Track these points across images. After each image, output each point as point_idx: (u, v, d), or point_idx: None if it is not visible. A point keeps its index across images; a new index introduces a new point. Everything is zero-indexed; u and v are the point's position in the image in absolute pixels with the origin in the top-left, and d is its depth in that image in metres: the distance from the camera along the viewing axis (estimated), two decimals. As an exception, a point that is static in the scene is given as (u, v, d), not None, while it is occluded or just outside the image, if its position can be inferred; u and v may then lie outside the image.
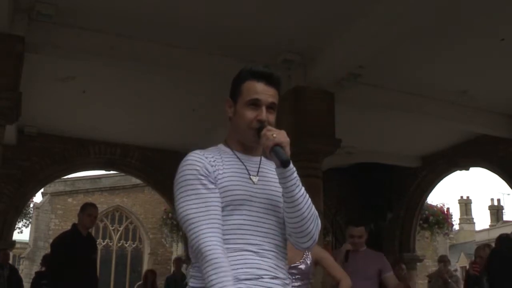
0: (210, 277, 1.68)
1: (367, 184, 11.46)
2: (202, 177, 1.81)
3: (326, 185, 6.75)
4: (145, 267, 21.89)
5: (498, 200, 43.50)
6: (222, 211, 1.82)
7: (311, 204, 1.87)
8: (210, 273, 1.68)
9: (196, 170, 1.82)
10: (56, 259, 5.63)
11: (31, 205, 21.10)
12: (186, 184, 1.82)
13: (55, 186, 22.06)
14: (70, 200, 23.17)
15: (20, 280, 9.68)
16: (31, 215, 21.88)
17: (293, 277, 3.58)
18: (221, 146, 1.99)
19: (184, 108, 8.18)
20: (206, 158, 1.87)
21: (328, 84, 6.64)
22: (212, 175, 1.83)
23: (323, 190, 6.56)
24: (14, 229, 10.21)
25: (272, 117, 1.91)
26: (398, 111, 7.76)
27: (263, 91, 1.90)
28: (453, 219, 16.87)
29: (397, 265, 9.31)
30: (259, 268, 1.80)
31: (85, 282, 5.59)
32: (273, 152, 1.78)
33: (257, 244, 1.83)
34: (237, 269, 1.77)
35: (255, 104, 1.89)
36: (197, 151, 1.91)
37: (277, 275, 1.84)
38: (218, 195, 1.81)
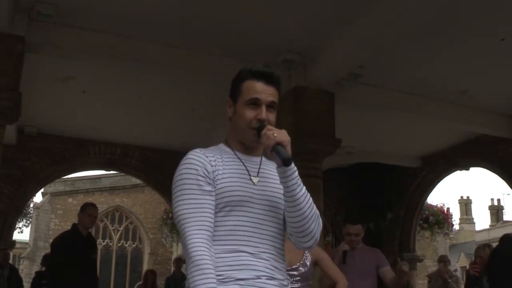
0: (194, 278, 1.68)
1: (367, 184, 11.46)
2: (200, 178, 1.81)
3: (326, 185, 6.75)
4: (145, 267, 21.88)
5: (498, 200, 43.59)
6: (221, 211, 1.82)
7: (313, 203, 1.87)
8: (194, 274, 1.68)
9: (196, 170, 1.82)
10: (56, 259, 5.64)
11: (31, 205, 21.13)
12: (183, 183, 1.82)
13: (55, 186, 22.05)
14: (70, 200, 23.17)
15: (20, 280, 9.69)
16: (31, 215, 21.90)
17: (293, 279, 3.58)
18: (222, 146, 1.98)
19: (184, 108, 8.18)
20: (207, 157, 1.87)
21: (328, 84, 6.64)
22: (211, 175, 1.83)
23: (323, 190, 6.56)
24: (14, 229, 10.20)
25: (272, 116, 1.90)
26: (398, 111, 7.76)
27: (262, 90, 1.89)
28: (453, 219, 16.88)
29: (397, 264, 9.31)
30: (255, 270, 1.80)
31: (85, 282, 5.59)
32: (274, 151, 1.78)
33: (254, 246, 1.82)
34: (233, 269, 1.77)
35: (255, 103, 1.89)
36: (198, 150, 1.90)
37: (274, 276, 1.84)
38: (213, 197, 1.81)
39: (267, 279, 1.81)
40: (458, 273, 20.29)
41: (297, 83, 6.65)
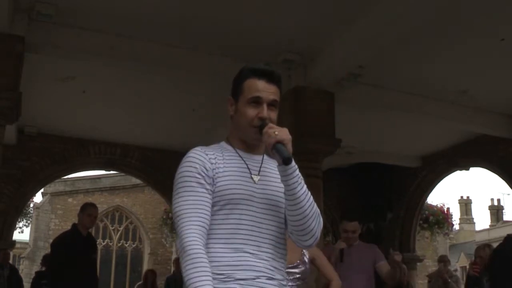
0: (188, 271, 1.70)
1: (367, 184, 11.46)
2: (199, 176, 1.83)
3: (326, 185, 6.75)
4: (145, 267, 21.88)
5: (498, 200, 43.62)
6: (222, 209, 1.83)
7: (313, 202, 1.87)
8: (188, 267, 1.70)
9: (195, 168, 1.84)
10: (56, 259, 5.64)
11: (31, 205, 21.12)
12: (183, 181, 1.84)
13: (55, 186, 22.06)
14: (70, 200, 23.17)
15: (20, 280, 9.69)
16: (31, 215, 21.90)
17: (293, 277, 3.59)
18: (223, 144, 1.99)
19: (184, 108, 8.18)
20: (207, 155, 1.88)
21: (328, 84, 6.64)
22: (210, 173, 1.84)
23: (323, 190, 6.56)
24: (14, 229, 10.21)
25: (274, 115, 1.91)
26: (398, 111, 7.76)
27: (264, 89, 1.90)
28: (453, 219, 16.88)
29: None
30: (255, 270, 1.80)
31: (85, 282, 5.59)
32: (275, 150, 1.78)
33: (255, 245, 1.83)
34: (234, 269, 1.78)
35: (257, 102, 1.90)
36: (199, 148, 1.92)
37: (273, 276, 1.84)
38: (210, 195, 1.83)
39: (267, 279, 1.82)
40: (458, 273, 20.29)
41: (297, 83, 6.64)
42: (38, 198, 22.96)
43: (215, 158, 1.88)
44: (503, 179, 9.47)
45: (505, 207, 54.42)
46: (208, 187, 1.83)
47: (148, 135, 9.73)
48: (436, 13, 5.33)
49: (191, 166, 1.84)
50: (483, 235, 35.43)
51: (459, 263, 32.81)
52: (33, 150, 9.39)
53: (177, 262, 10.61)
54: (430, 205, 14.02)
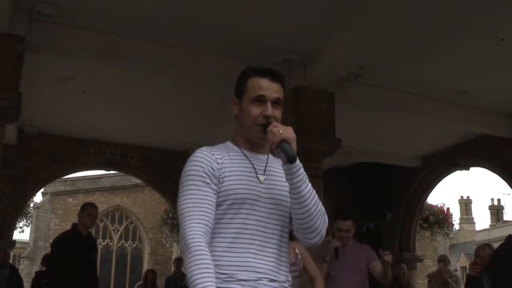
0: (191, 268, 1.70)
1: (367, 184, 11.46)
2: (205, 175, 1.83)
3: (326, 185, 6.74)
4: (145, 267, 21.89)
5: (498, 200, 43.61)
6: (229, 209, 1.84)
7: (318, 200, 1.89)
8: (191, 265, 1.70)
9: (201, 167, 1.84)
10: (56, 259, 5.64)
11: (31, 205, 21.12)
12: (188, 180, 1.84)
13: (55, 186, 22.06)
14: (70, 200, 23.18)
15: (20, 280, 9.68)
16: (31, 215, 21.89)
17: (292, 275, 3.62)
18: (229, 144, 1.99)
19: (184, 108, 8.18)
20: (213, 155, 1.88)
21: (328, 84, 6.64)
22: (216, 173, 1.85)
23: (323, 190, 6.56)
24: (14, 229, 10.21)
25: (278, 113, 1.92)
26: (398, 111, 7.76)
27: (268, 87, 1.91)
28: (453, 219, 16.87)
29: (397, 264, 9.32)
30: (258, 271, 1.81)
31: (85, 282, 5.59)
32: (279, 148, 1.79)
33: (260, 245, 1.84)
34: (236, 270, 1.79)
35: (260, 100, 1.90)
36: (204, 148, 1.92)
37: (275, 278, 1.85)
38: (215, 195, 1.83)
39: (269, 281, 1.83)
40: (458, 273, 20.30)
41: (297, 83, 6.65)
42: (38, 198, 23.00)
43: (221, 158, 1.89)
44: (503, 179, 9.46)
45: (505, 207, 54.43)
46: (214, 187, 1.83)
47: (148, 135, 9.73)
48: (436, 13, 5.33)
49: (197, 166, 1.85)
50: (483, 235, 35.44)
51: (459, 263, 32.81)
52: (33, 150, 9.40)
53: (177, 262, 10.62)
54: (430, 205, 14.02)
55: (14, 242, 10.02)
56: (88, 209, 5.82)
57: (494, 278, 5.71)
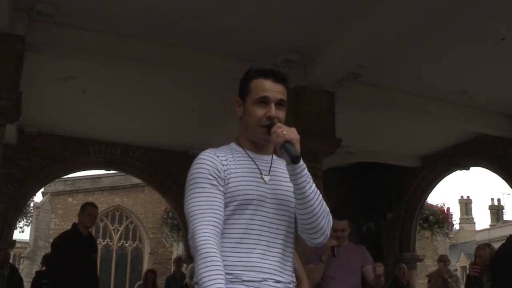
0: (201, 269, 1.70)
1: (367, 184, 11.46)
2: (211, 177, 1.84)
3: (326, 185, 6.74)
4: (145, 266, 21.90)
5: (498, 200, 43.62)
6: (236, 209, 1.84)
7: (322, 200, 1.89)
8: (202, 267, 1.70)
9: (207, 169, 1.85)
10: (56, 258, 5.64)
11: (32, 205, 21.12)
12: (194, 182, 1.85)
13: (55, 186, 22.07)
14: (70, 199, 23.18)
15: (20, 280, 9.68)
16: (31, 214, 21.89)
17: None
18: (233, 145, 2.00)
19: (184, 108, 8.18)
20: (218, 157, 1.89)
21: (328, 84, 6.64)
22: (222, 174, 1.86)
23: (323, 190, 6.56)
24: (14, 229, 10.22)
25: (281, 114, 1.93)
26: (398, 111, 7.76)
27: (271, 88, 1.92)
28: (453, 219, 16.87)
29: (397, 265, 9.33)
30: (263, 272, 1.82)
31: (85, 282, 5.59)
32: (283, 149, 1.80)
33: (265, 245, 1.85)
34: (242, 270, 1.80)
35: (264, 101, 1.91)
36: (209, 150, 1.93)
37: (280, 279, 1.86)
38: (222, 196, 1.84)
39: (274, 282, 1.84)
40: (458, 273, 20.29)
41: (297, 83, 6.64)
42: (38, 197, 23.01)
43: (226, 160, 1.90)
44: (503, 178, 9.47)
45: (505, 207, 54.43)
46: (220, 188, 1.84)
47: (148, 135, 9.73)
48: (436, 13, 5.33)
49: (203, 168, 1.86)
50: (483, 235, 35.45)
51: (459, 263, 32.82)
52: (33, 149, 9.40)
53: (177, 261, 10.65)
54: (430, 205, 14.01)
55: (14, 242, 10.02)
56: (88, 209, 5.82)
57: (495, 278, 5.71)
